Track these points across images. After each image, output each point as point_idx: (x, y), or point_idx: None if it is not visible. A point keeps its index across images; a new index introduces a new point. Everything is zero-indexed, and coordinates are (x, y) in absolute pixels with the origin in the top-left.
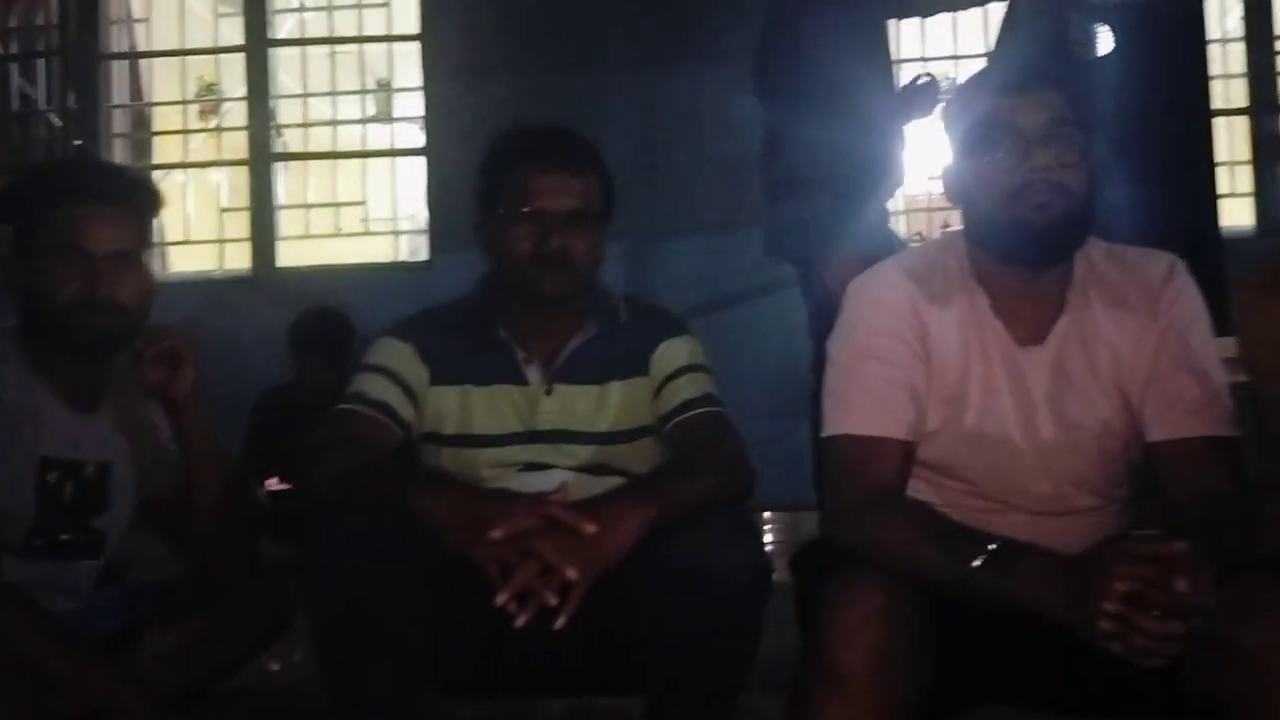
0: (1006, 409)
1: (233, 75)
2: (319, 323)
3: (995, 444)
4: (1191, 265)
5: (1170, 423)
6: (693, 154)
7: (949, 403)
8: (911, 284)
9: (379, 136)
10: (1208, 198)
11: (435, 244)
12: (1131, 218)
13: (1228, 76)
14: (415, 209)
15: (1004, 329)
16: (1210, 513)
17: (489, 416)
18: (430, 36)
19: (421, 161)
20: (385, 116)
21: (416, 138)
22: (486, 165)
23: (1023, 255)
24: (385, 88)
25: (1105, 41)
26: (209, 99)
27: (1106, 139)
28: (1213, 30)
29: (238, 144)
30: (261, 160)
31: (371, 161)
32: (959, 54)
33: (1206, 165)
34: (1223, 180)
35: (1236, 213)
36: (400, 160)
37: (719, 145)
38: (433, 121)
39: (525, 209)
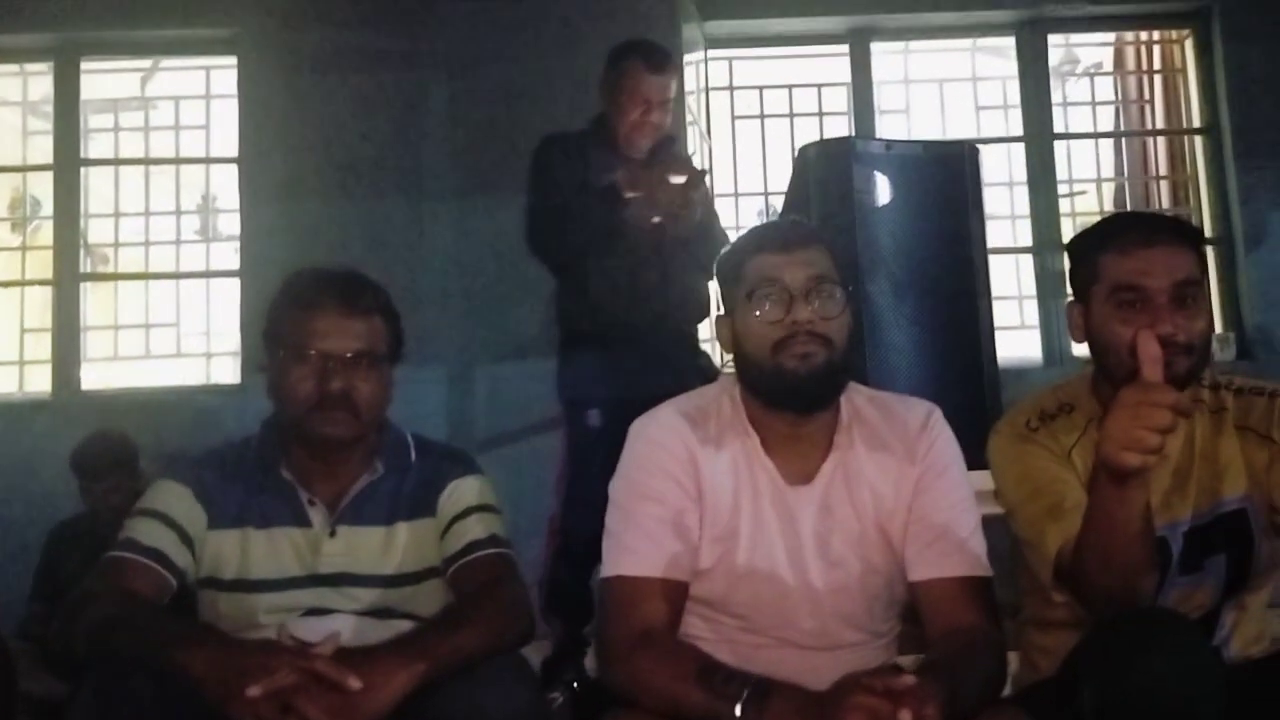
0: (776, 547)
1: (45, 191)
2: (98, 448)
3: (765, 580)
4: (969, 397)
5: (927, 563)
6: (510, 279)
7: (721, 541)
8: (686, 425)
9: (194, 258)
10: (986, 333)
11: (247, 367)
12: (914, 354)
13: (1014, 218)
14: (230, 331)
15: (775, 469)
16: (955, 649)
17: (268, 560)
18: (248, 159)
19: (236, 283)
20: (203, 237)
21: (232, 260)
22: (272, 307)
23: (787, 402)
24: (203, 209)
25: (884, 190)
26: (15, 216)
27: (890, 281)
28: (1001, 175)
29: (45, 262)
30: (68, 280)
31: (186, 283)
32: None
33: (985, 302)
34: (1014, 315)
35: (1026, 345)
36: (216, 282)
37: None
38: (248, 244)
39: (308, 351)
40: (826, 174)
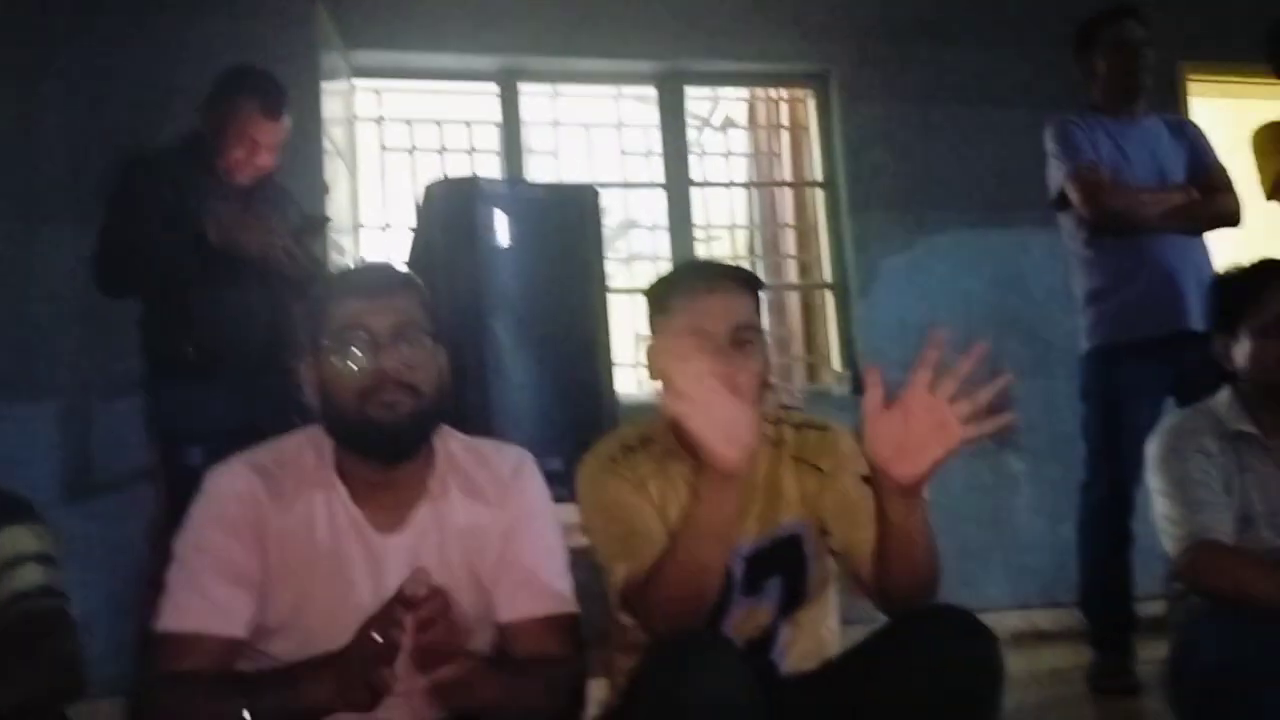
0: (363, 598)
1: None
2: None
3: (348, 632)
4: (589, 433)
5: (514, 606)
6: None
7: (292, 600)
8: (256, 478)
9: None
10: (605, 371)
11: None
12: (537, 392)
13: (656, 259)
14: None
15: (363, 517)
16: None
17: None
18: None
19: None
20: None
21: None
22: None
23: (374, 451)
24: None
25: (508, 231)
26: None
27: (514, 320)
28: (646, 219)
29: None
30: None
31: None
32: None
33: (603, 340)
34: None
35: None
36: None
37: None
38: None
39: None
40: (451, 213)
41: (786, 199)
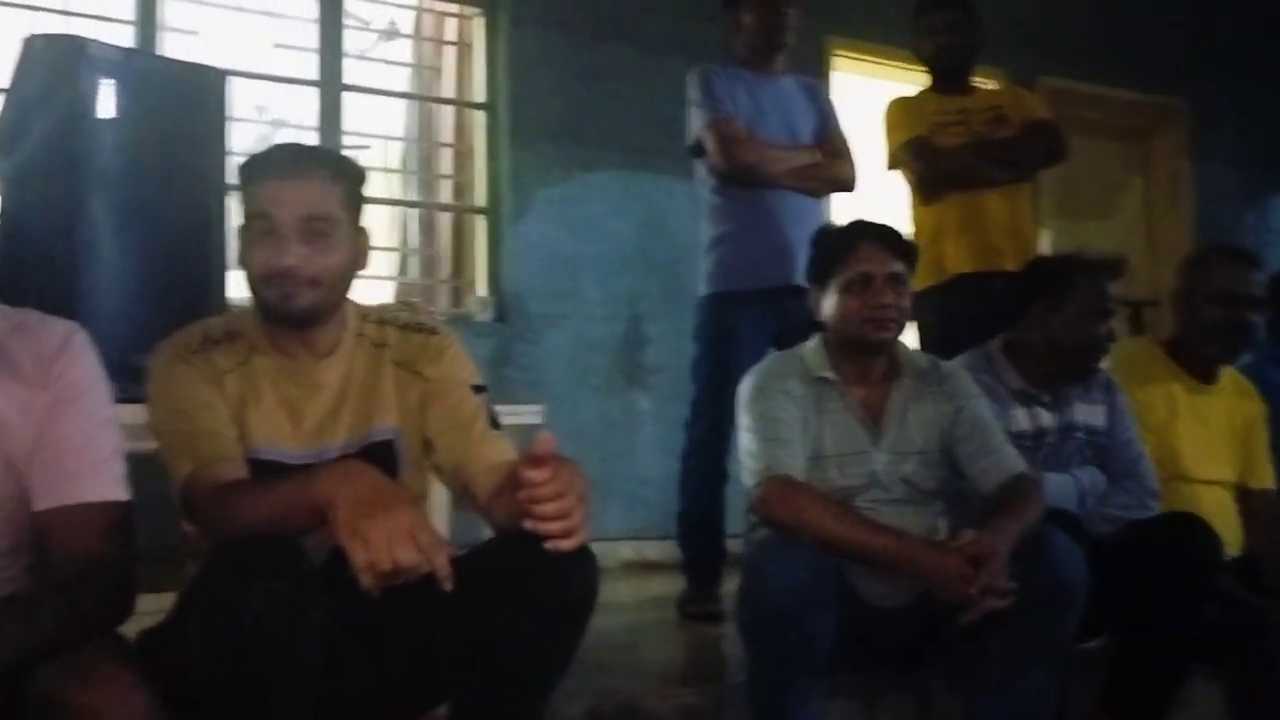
0: None
1: None
2: None
3: None
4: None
5: (51, 492)
6: None
7: None
8: None
9: None
10: (217, 270)
11: None
12: (136, 284)
13: None
14: None
15: None
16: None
17: None
18: None
19: None
20: None
21: None
22: None
23: None
24: None
25: (113, 102)
26: None
27: (114, 202)
28: (296, 118)
29: None
30: None
31: None
32: None
33: (217, 238)
34: None
35: None
36: None
37: None
38: None
39: None
40: (51, 73)
41: (446, 117)
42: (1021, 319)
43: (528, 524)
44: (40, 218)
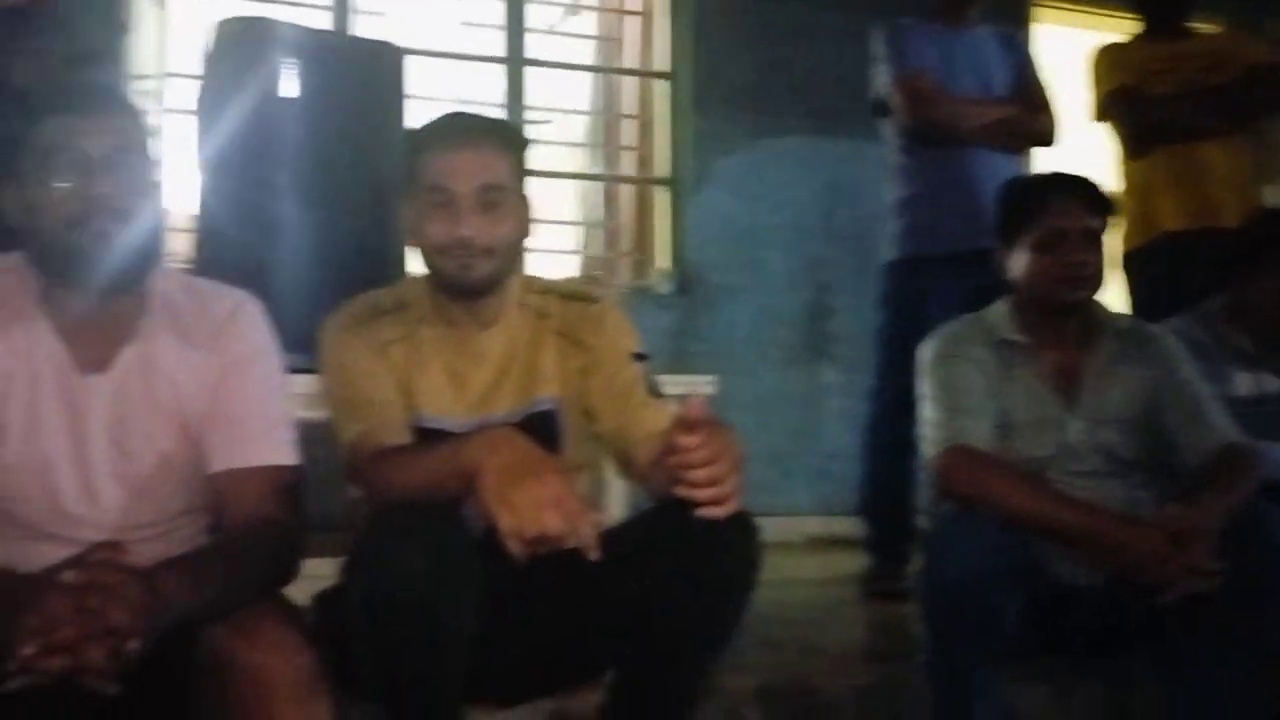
0: (56, 438)
1: None
2: None
3: (38, 475)
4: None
5: (224, 454)
6: None
7: None
8: None
9: None
10: (393, 240)
11: None
12: (320, 257)
13: None
14: None
15: (67, 354)
16: (230, 539)
17: None
18: None
19: None
20: None
21: None
22: None
23: (83, 280)
24: None
25: (293, 80)
26: None
27: (299, 179)
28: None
29: None
30: None
31: None
32: None
33: (396, 211)
34: None
35: None
36: None
37: None
38: None
39: None
40: (242, 54)
41: (629, 89)
42: (1245, 277)
43: (680, 491)
44: (234, 197)
